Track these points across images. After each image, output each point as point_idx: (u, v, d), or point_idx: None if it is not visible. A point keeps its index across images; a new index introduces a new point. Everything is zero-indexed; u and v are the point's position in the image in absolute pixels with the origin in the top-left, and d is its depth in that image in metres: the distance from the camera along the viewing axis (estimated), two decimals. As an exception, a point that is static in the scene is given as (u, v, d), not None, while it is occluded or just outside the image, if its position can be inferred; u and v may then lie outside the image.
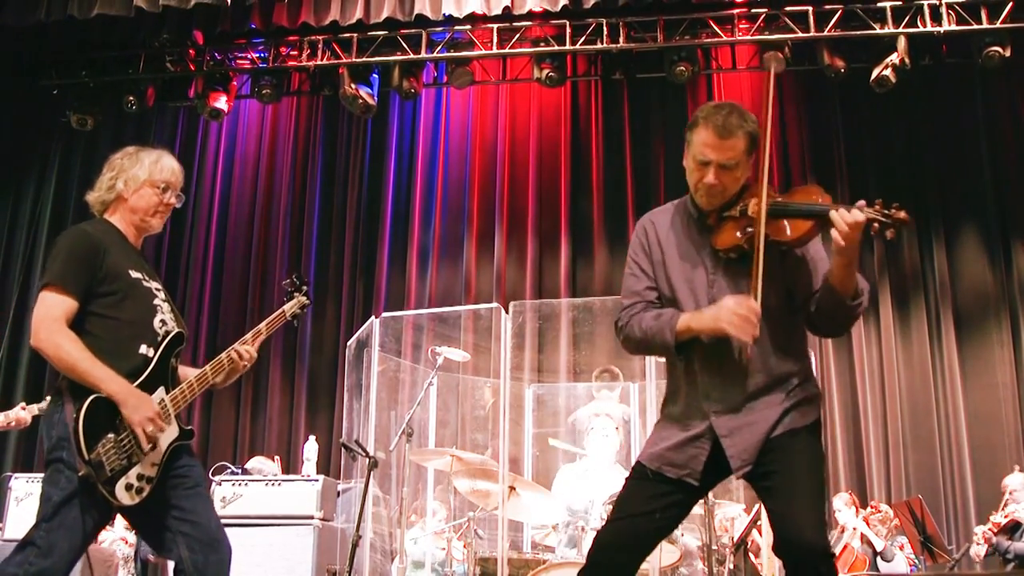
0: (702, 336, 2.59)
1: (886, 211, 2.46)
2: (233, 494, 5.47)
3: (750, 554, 6.01)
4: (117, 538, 6.80)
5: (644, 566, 4.87)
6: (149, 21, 8.06)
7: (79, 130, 8.88)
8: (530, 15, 8.04)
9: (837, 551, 6.79)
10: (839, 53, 7.97)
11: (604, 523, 2.71)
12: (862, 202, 2.50)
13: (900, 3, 7.81)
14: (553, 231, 9.10)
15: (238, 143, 9.86)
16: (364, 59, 8.36)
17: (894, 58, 7.73)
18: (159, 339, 2.97)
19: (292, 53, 8.65)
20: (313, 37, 8.44)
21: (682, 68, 8.08)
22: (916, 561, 6.65)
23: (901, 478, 8.01)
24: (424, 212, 9.40)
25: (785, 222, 2.57)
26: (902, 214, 2.46)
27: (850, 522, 6.89)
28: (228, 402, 8.99)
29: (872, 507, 7.12)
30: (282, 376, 9.07)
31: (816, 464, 2.59)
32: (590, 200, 9.15)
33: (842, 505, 7.07)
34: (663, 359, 2.88)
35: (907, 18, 7.80)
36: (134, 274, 2.98)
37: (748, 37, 8.14)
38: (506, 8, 7.78)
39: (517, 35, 8.32)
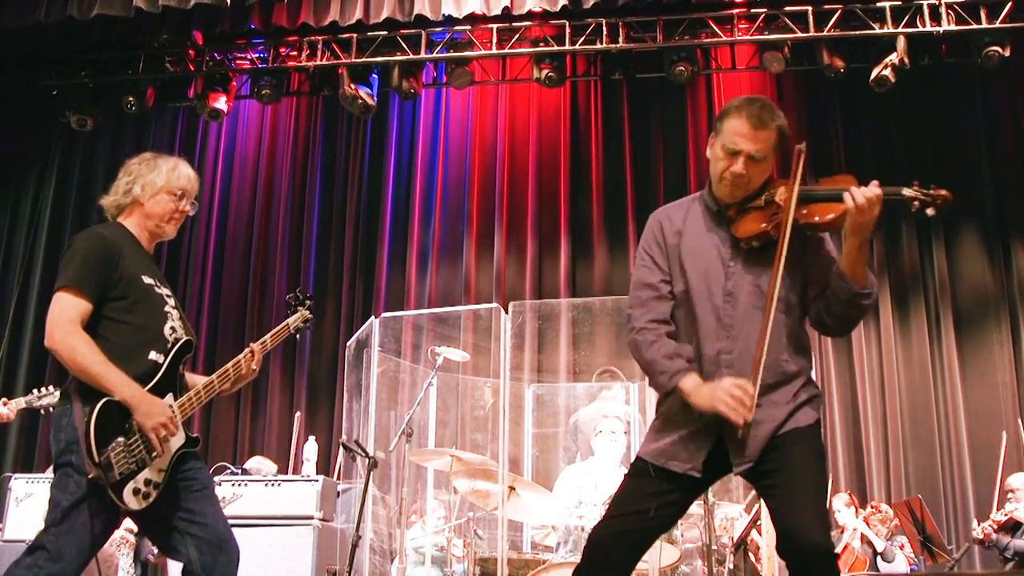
0: (712, 331, 2.64)
1: (926, 190, 2.51)
2: (233, 494, 5.47)
3: (750, 554, 6.01)
4: (117, 538, 6.79)
5: (643, 566, 4.88)
6: (149, 21, 8.06)
7: (79, 130, 8.87)
8: (529, 15, 8.04)
9: (837, 551, 6.80)
10: (838, 53, 7.97)
11: (600, 520, 2.70)
12: (875, 182, 2.53)
13: (899, 3, 7.81)
14: (553, 231, 9.10)
15: (238, 143, 9.86)
16: (364, 59, 8.36)
17: (893, 58, 7.73)
18: (169, 346, 2.98)
19: (292, 53, 8.65)
20: (313, 37, 8.44)
21: (681, 68, 8.09)
22: (916, 561, 6.65)
23: (901, 478, 8.01)
24: (424, 212, 9.40)
25: (814, 206, 2.58)
26: (943, 192, 2.52)
27: (850, 522, 6.89)
28: (228, 402, 8.98)
29: (872, 507, 7.11)
30: (282, 376, 9.07)
31: (818, 463, 2.60)
32: (590, 200, 9.15)
33: (841, 506, 7.06)
34: None
35: (906, 18, 7.79)
36: (147, 280, 3.00)
37: (747, 37, 8.14)
38: (505, 8, 7.78)
39: (516, 35, 8.32)
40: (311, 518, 5.37)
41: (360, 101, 8.38)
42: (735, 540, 5.50)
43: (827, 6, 7.89)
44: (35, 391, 5.75)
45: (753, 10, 8.07)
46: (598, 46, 8.19)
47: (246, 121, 9.92)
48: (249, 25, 8.24)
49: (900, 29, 7.76)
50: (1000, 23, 7.61)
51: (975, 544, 6.60)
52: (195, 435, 3.02)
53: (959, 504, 7.85)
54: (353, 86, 8.32)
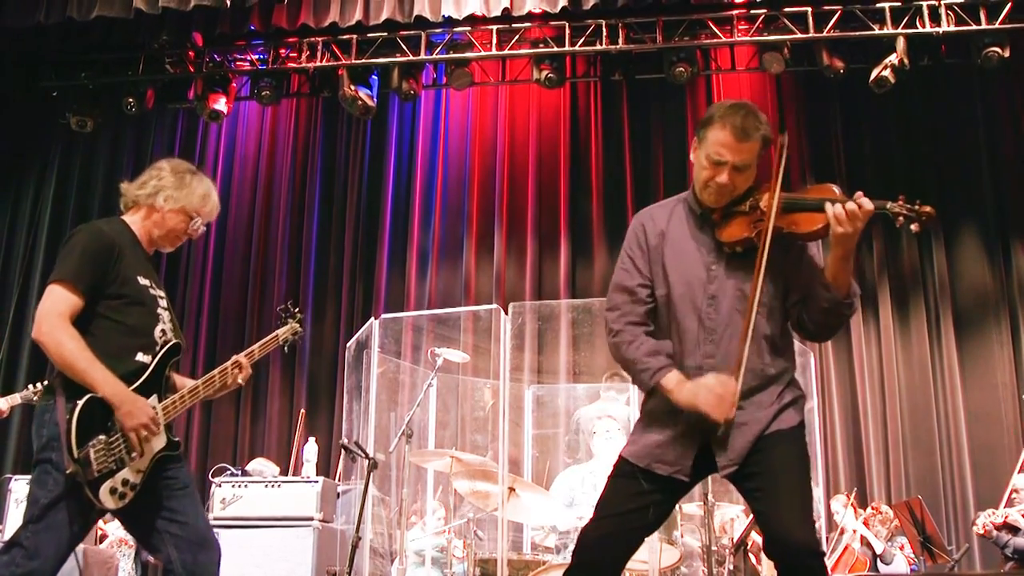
0: (695, 324, 2.64)
1: (910, 205, 2.48)
2: (233, 495, 5.47)
3: (750, 555, 6.02)
4: (117, 539, 6.80)
5: (643, 567, 4.88)
6: (148, 23, 8.06)
7: (79, 132, 8.87)
8: (529, 16, 8.04)
9: (838, 552, 6.80)
10: (838, 54, 7.98)
11: (588, 522, 2.69)
12: (860, 192, 2.51)
13: (899, 4, 7.82)
14: (552, 232, 9.10)
15: (238, 145, 9.86)
16: (363, 60, 8.37)
17: (893, 59, 7.73)
18: (157, 348, 2.97)
19: (291, 55, 8.65)
20: (312, 39, 8.44)
21: (681, 69, 8.09)
22: (916, 561, 6.65)
23: (901, 478, 8.01)
24: (424, 213, 9.40)
25: (798, 216, 2.57)
26: (927, 208, 2.48)
27: (849, 524, 6.89)
28: (228, 403, 8.99)
29: (872, 508, 7.11)
30: (282, 377, 9.07)
31: (802, 465, 2.60)
32: (589, 201, 9.15)
33: (840, 507, 7.06)
34: None
35: (906, 19, 7.80)
36: (142, 281, 2.99)
37: (747, 38, 8.14)
38: (505, 9, 7.78)
39: (516, 36, 8.32)
40: (311, 519, 5.37)
41: (360, 102, 8.38)
42: (735, 541, 5.51)
43: (827, 7, 7.90)
44: (30, 387, 5.76)
45: (753, 11, 8.07)
46: (598, 47, 8.20)
47: (246, 122, 9.92)
48: (249, 26, 8.24)
49: (900, 30, 7.76)
50: (1000, 24, 7.62)
51: (976, 538, 6.58)
52: (177, 439, 3.00)
53: (959, 504, 7.85)
54: (353, 87, 8.32)
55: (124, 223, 3.07)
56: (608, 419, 5.63)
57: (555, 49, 8.24)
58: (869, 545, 6.81)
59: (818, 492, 6.51)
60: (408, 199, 9.47)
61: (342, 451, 6.05)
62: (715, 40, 8.23)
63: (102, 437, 2.77)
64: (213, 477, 5.68)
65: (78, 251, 2.88)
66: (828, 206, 2.48)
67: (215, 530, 5.19)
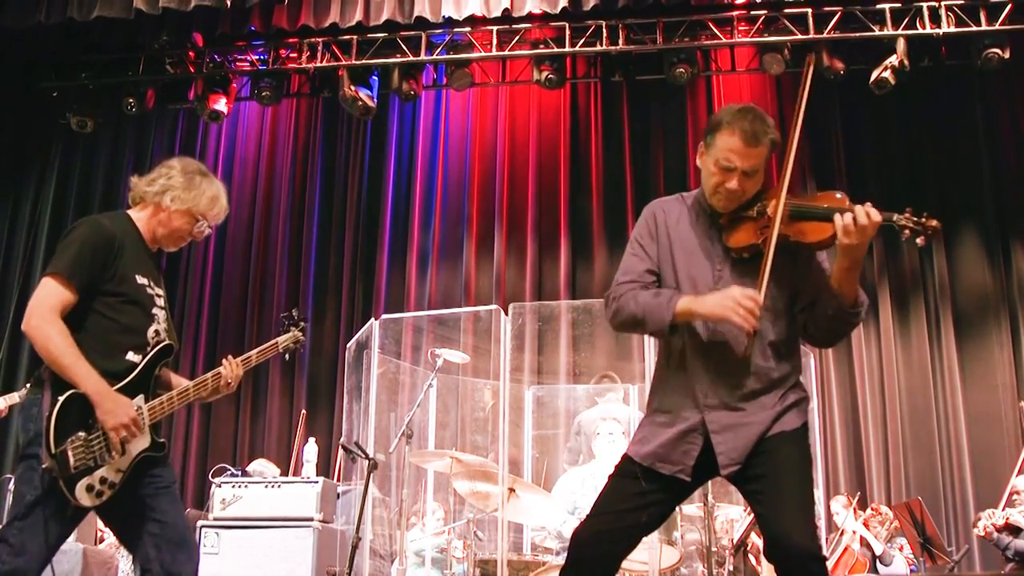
0: (702, 320, 2.58)
1: (917, 218, 2.46)
2: (233, 496, 5.47)
3: (750, 556, 6.01)
4: (117, 540, 6.79)
5: (643, 567, 4.88)
6: (149, 23, 8.06)
7: (79, 132, 8.87)
8: (529, 17, 8.04)
9: (838, 553, 6.79)
10: (838, 55, 7.97)
11: (585, 519, 2.69)
12: (868, 204, 2.49)
13: (899, 5, 7.82)
14: (553, 233, 9.10)
15: (238, 145, 9.86)
16: (364, 61, 8.37)
17: (893, 60, 7.74)
18: (149, 348, 2.95)
19: (292, 55, 8.65)
20: (313, 39, 8.45)
21: (681, 70, 8.09)
22: (916, 562, 6.64)
23: (901, 480, 8.01)
24: (424, 214, 9.40)
25: (805, 224, 2.56)
26: (934, 222, 2.46)
27: (849, 525, 6.88)
28: (228, 403, 8.98)
29: (872, 509, 7.11)
30: (282, 378, 9.07)
31: (804, 467, 2.59)
32: (589, 202, 9.15)
33: (840, 508, 7.06)
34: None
35: (906, 20, 7.80)
36: (140, 279, 2.96)
37: (747, 39, 8.14)
38: (505, 10, 7.78)
39: (516, 37, 8.32)
40: (311, 520, 5.37)
41: (360, 103, 8.38)
42: (735, 542, 5.50)
43: (827, 8, 7.90)
44: (28, 386, 5.74)
45: (753, 12, 8.07)
46: (598, 48, 8.20)
47: (246, 123, 9.92)
48: (249, 27, 8.24)
49: (900, 31, 7.77)
50: (1000, 25, 7.62)
51: (976, 540, 6.58)
52: (162, 440, 2.97)
53: (959, 506, 7.85)
54: (353, 88, 8.32)
55: (129, 218, 3.05)
56: (612, 421, 5.64)
57: (555, 50, 8.25)
58: (869, 546, 6.81)
59: (818, 493, 6.51)
60: (408, 199, 9.47)
61: (342, 451, 6.05)
62: (715, 41, 8.23)
63: (82, 434, 2.75)
64: (213, 477, 5.68)
65: (76, 245, 2.86)
66: (837, 217, 2.47)
67: (216, 530, 5.25)
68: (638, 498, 2.61)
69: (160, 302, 3.03)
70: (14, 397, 5.76)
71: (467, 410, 7.03)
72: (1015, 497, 6.46)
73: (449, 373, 6.59)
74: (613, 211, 9.08)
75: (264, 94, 8.67)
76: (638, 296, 2.64)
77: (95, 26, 8.01)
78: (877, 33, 7.84)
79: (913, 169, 8.83)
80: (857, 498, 7.23)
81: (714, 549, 4.89)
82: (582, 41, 8.17)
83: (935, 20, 7.75)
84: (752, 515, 5.47)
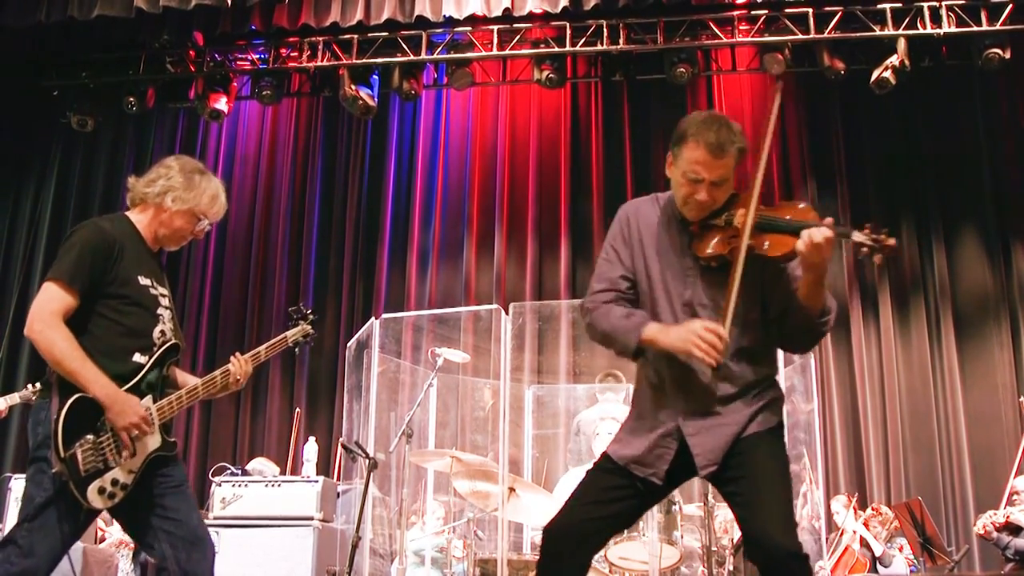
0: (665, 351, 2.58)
1: (875, 235, 2.41)
2: (233, 495, 5.47)
3: (750, 556, 6.00)
4: (117, 540, 6.79)
5: (643, 567, 4.88)
6: (149, 22, 8.06)
7: (79, 131, 8.88)
8: (530, 17, 8.05)
9: (837, 554, 6.80)
10: (839, 55, 7.98)
11: (556, 513, 2.70)
12: (830, 219, 2.47)
13: (900, 5, 7.82)
14: (553, 232, 9.11)
15: (238, 144, 9.86)
16: (364, 60, 8.37)
17: (894, 60, 7.74)
18: (155, 348, 2.95)
19: (292, 54, 8.66)
20: (313, 38, 8.45)
21: (682, 70, 8.09)
22: (916, 563, 6.64)
23: (901, 480, 8.01)
24: (424, 213, 9.40)
25: (771, 237, 2.54)
26: (891, 240, 2.42)
27: (849, 525, 6.88)
28: (228, 403, 8.99)
29: (873, 509, 7.11)
30: (282, 377, 9.07)
31: (781, 466, 2.59)
32: (590, 201, 9.16)
33: (840, 507, 7.06)
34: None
35: (907, 20, 7.80)
36: (143, 280, 2.96)
37: (748, 39, 8.14)
38: (506, 10, 7.78)
39: (517, 37, 8.33)
40: (311, 519, 5.37)
41: (361, 102, 8.38)
42: (735, 542, 5.50)
43: (827, 8, 7.90)
44: (29, 387, 5.74)
45: (753, 12, 8.08)
46: (599, 47, 8.20)
47: (247, 122, 9.92)
48: (250, 26, 8.25)
49: (900, 31, 7.77)
50: (1000, 25, 7.62)
51: (975, 539, 6.58)
52: (173, 439, 2.98)
53: (959, 506, 7.85)
54: (354, 87, 8.32)
55: (128, 220, 3.04)
56: (611, 421, 5.64)
57: (556, 49, 8.25)
58: (869, 546, 6.81)
59: (818, 493, 6.51)
60: (408, 199, 9.47)
61: (342, 451, 6.05)
62: (716, 41, 8.23)
63: (90, 437, 2.76)
64: (213, 476, 5.68)
65: (76, 249, 2.86)
66: (804, 233, 2.44)
67: (215, 529, 5.25)
68: (609, 492, 2.63)
69: (165, 302, 3.03)
70: (14, 397, 5.76)
71: (467, 409, 7.03)
72: (1015, 497, 6.46)
73: (449, 372, 6.59)
74: (613, 211, 8.81)
75: (264, 93, 8.67)
76: (610, 314, 2.66)
77: (96, 25, 8.01)
78: (878, 33, 7.84)
79: (913, 168, 8.82)
80: (857, 498, 7.24)
81: (714, 549, 4.89)
82: (583, 41, 8.17)
83: (936, 20, 7.75)
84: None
